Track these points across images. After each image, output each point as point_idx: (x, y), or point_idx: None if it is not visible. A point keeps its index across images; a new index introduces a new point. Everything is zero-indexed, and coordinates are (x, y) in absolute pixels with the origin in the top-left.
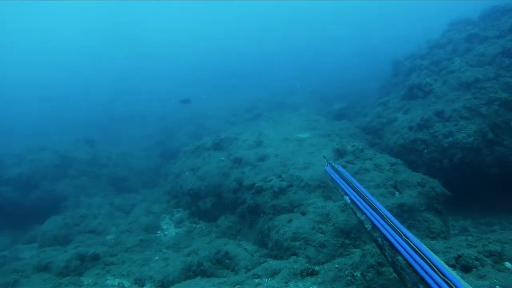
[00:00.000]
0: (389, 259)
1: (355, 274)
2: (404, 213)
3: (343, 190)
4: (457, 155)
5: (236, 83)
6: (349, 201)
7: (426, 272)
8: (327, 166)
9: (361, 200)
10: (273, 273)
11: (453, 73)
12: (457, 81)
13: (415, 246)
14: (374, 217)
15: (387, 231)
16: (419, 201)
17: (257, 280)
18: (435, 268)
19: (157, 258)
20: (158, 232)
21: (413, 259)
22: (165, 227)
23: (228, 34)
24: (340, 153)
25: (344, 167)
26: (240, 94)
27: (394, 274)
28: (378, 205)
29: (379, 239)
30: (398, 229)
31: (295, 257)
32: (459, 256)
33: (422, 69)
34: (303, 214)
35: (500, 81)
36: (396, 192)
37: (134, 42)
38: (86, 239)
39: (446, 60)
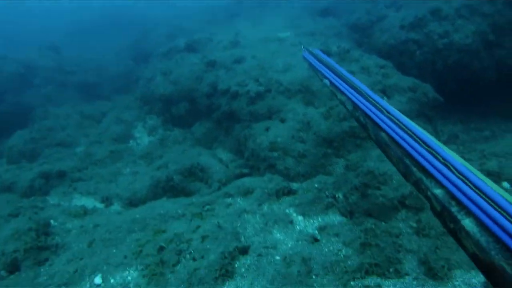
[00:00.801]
0: (373, 137)
1: (337, 196)
2: None
3: (322, 74)
4: (452, 57)
5: None
6: (329, 83)
7: (410, 145)
8: (304, 51)
9: (341, 81)
10: (246, 192)
11: None
12: None
13: (399, 121)
14: (354, 96)
15: (368, 108)
16: (409, 107)
17: (229, 200)
18: (419, 140)
19: (128, 170)
20: (130, 141)
21: (396, 133)
22: (138, 135)
23: None
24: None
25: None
26: None
27: (381, 198)
28: (358, 83)
29: (361, 117)
30: (380, 105)
31: (270, 175)
32: None
33: None
34: (282, 121)
35: None
36: (385, 98)
37: None
38: (54, 153)
39: None
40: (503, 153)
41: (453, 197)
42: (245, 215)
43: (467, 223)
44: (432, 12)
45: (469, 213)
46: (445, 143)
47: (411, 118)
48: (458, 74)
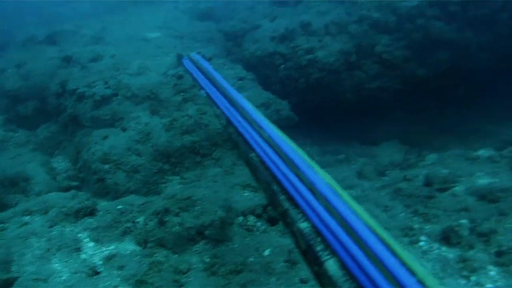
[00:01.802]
0: (244, 157)
1: (137, 220)
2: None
3: (199, 83)
4: (314, 75)
5: None
6: (205, 95)
7: (279, 168)
8: (185, 58)
9: (218, 93)
10: (47, 210)
11: None
12: None
13: (272, 140)
14: (229, 110)
15: (241, 125)
16: None
17: (26, 218)
18: (289, 163)
19: None
20: None
21: (267, 154)
22: None
23: None
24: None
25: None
26: None
27: (177, 227)
28: (236, 96)
29: (234, 135)
30: (256, 122)
31: (75, 191)
32: None
33: None
34: (124, 130)
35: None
36: None
37: None
38: None
39: None
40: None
41: (318, 232)
42: (32, 239)
43: (331, 265)
44: (303, 26)
45: (334, 253)
46: None
47: None
48: (319, 93)
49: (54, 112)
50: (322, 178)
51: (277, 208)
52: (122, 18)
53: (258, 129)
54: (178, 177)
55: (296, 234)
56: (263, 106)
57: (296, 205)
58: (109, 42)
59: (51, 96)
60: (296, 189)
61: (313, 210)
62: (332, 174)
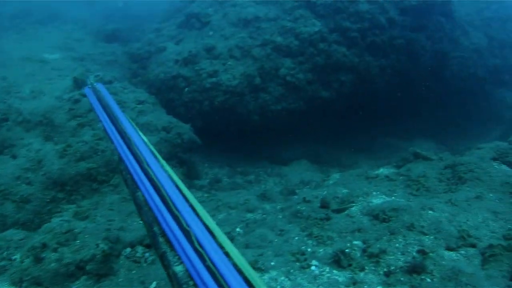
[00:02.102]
0: (131, 195)
1: (13, 258)
2: None
3: (97, 115)
4: (218, 98)
5: None
6: (103, 128)
7: (159, 209)
8: (88, 87)
9: (114, 128)
10: None
11: (235, 7)
12: (237, 16)
13: (157, 179)
14: (121, 146)
15: (130, 162)
16: (158, 149)
17: None
18: (170, 203)
19: None
20: None
21: (150, 194)
22: None
23: None
24: (78, 84)
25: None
26: None
27: (54, 263)
28: (130, 130)
29: (124, 172)
30: (145, 159)
31: None
32: None
33: None
34: (14, 157)
35: (279, 24)
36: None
37: None
38: None
39: None
40: (235, 204)
41: (190, 276)
42: None
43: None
44: (207, 49)
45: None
46: (207, 187)
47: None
48: (225, 116)
49: None
50: (198, 221)
51: (157, 250)
52: (19, 37)
53: (147, 167)
54: (74, 206)
55: (171, 277)
56: (164, 130)
57: (172, 248)
58: (1, 63)
59: None
60: (173, 231)
61: (186, 253)
62: (235, 198)
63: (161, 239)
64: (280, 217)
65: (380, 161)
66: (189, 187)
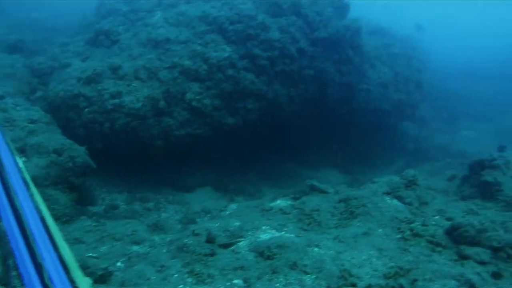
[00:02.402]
0: None
1: None
2: None
3: None
4: (120, 120)
5: None
6: None
7: (17, 242)
8: None
9: None
10: None
11: (147, 27)
12: (147, 37)
13: (24, 213)
14: None
15: None
16: (47, 173)
17: None
18: (29, 236)
19: None
20: None
21: (11, 226)
22: None
23: None
24: None
25: None
26: None
27: None
28: (4, 157)
29: None
30: (15, 190)
31: None
32: None
33: (119, 14)
34: None
35: (189, 47)
36: (23, 158)
37: None
38: None
39: (148, 11)
40: (121, 235)
41: None
42: None
43: None
44: (113, 69)
45: None
46: (101, 214)
47: (45, 187)
48: (126, 139)
49: None
50: (55, 255)
51: (7, 286)
52: None
53: (13, 195)
54: None
55: None
56: (55, 153)
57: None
58: None
59: None
60: (26, 267)
61: None
62: (122, 228)
63: (14, 273)
64: (165, 251)
65: (284, 190)
66: (80, 214)
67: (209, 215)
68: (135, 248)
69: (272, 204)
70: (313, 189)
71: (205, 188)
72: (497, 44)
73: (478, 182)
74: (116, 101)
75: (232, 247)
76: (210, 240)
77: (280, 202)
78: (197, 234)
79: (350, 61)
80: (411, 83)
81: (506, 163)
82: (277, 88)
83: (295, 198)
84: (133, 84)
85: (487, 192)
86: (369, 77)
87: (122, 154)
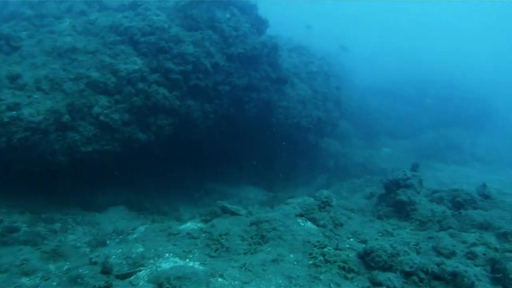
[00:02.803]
0: None
1: None
2: None
3: None
4: (18, 135)
5: None
6: None
7: None
8: None
9: None
10: None
11: (53, 34)
12: (53, 44)
13: None
14: None
15: None
16: None
17: None
18: None
19: None
20: None
21: None
22: None
23: None
24: None
25: None
26: None
27: None
28: None
29: None
30: None
31: None
32: None
33: (23, 18)
34: None
35: (97, 58)
36: None
37: None
38: None
39: (56, 17)
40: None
41: None
42: None
43: None
44: (11, 78)
45: None
46: None
47: None
48: (25, 155)
49: None
50: None
51: None
52: None
53: None
54: None
55: None
56: None
57: None
58: None
59: None
60: None
61: None
62: (11, 257)
63: None
64: (55, 283)
65: (201, 209)
66: None
67: (121, 236)
68: (25, 280)
69: (181, 227)
70: (224, 210)
71: (118, 207)
72: (413, 65)
73: (393, 201)
74: (14, 113)
75: (131, 278)
76: (106, 270)
77: (190, 225)
78: (94, 263)
79: (267, 77)
80: (330, 101)
81: (419, 181)
82: (191, 104)
83: (205, 220)
84: (34, 96)
85: (402, 211)
86: (288, 94)
87: (23, 172)
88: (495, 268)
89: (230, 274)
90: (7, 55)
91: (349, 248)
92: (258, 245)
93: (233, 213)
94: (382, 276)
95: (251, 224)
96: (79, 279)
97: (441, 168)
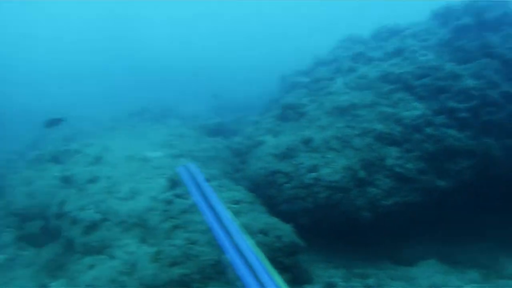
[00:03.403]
0: (218, 257)
1: None
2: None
3: (190, 192)
4: (321, 194)
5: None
6: (194, 203)
7: (241, 271)
8: (180, 167)
9: (204, 203)
10: None
11: (330, 95)
12: (332, 105)
13: (240, 249)
14: (210, 219)
15: (218, 233)
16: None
17: None
18: (252, 267)
19: None
20: None
21: (235, 259)
22: None
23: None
24: (173, 183)
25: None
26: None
27: None
28: (218, 208)
29: (213, 239)
30: (229, 231)
31: None
32: None
33: (302, 86)
34: (112, 258)
35: (376, 110)
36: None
37: None
38: None
39: (328, 79)
40: None
41: None
42: None
43: None
44: (304, 142)
45: None
46: None
47: None
48: (330, 213)
49: (55, 233)
50: (271, 278)
51: None
52: (127, 135)
53: (231, 236)
54: None
55: None
56: (260, 233)
57: None
58: (107, 162)
59: (52, 217)
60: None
61: None
62: None
63: None
64: None
65: None
66: None
67: None
68: None
69: None
70: None
71: (428, 261)
72: None
73: None
74: (314, 174)
75: None
76: None
77: None
78: None
79: None
80: None
81: None
82: (487, 141)
83: None
84: (328, 156)
85: None
86: None
87: (330, 228)
88: None
89: None
90: (296, 121)
91: None
92: None
93: None
94: None
95: None
96: None
97: None
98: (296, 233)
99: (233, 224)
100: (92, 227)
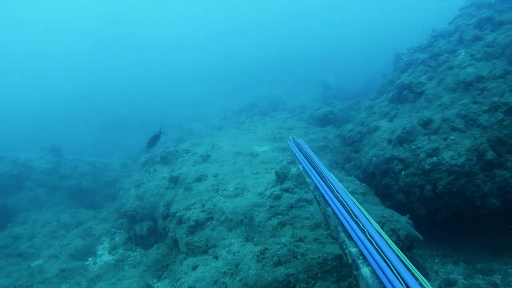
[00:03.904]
0: (322, 210)
1: None
2: (343, 267)
3: (299, 160)
4: (442, 181)
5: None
6: (302, 168)
7: (344, 217)
8: (290, 140)
9: (311, 168)
10: None
11: (452, 70)
12: (455, 80)
13: (343, 200)
14: (316, 179)
15: (323, 189)
16: None
17: None
18: (352, 214)
19: None
20: (90, 258)
21: (338, 208)
22: (100, 252)
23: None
24: (280, 178)
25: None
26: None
27: None
28: (324, 169)
29: (318, 196)
30: (334, 187)
31: None
32: None
33: (418, 64)
34: (216, 258)
35: (508, 81)
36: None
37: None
38: (9, 265)
39: (449, 52)
40: None
41: (361, 253)
42: None
43: (365, 270)
44: (423, 124)
45: (368, 265)
46: None
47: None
48: (451, 202)
49: (162, 233)
50: (372, 224)
51: (338, 240)
52: (236, 132)
53: (336, 193)
54: None
55: (346, 254)
56: None
57: (350, 238)
58: (214, 160)
59: (159, 217)
60: (353, 229)
61: (361, 241)
62: None
63: (342, 234)
64: None
65: None
66: None
67: None
68: None
69: None
70: None
71: None
72: None
73: None
74: (434, 159)
75: None
76: None
77: None
78: None
79: None
80: None
81: None
82: None
83: None
84: (451, 137)
85: None
86: None
87: (449, 218)
88: None
89: None
90: (413, 102)
91: None
92: None
93: None
94: None
95: None
96: None
97: None
98: (413, 225)
99: (337, 182)
100: (196, 226)
